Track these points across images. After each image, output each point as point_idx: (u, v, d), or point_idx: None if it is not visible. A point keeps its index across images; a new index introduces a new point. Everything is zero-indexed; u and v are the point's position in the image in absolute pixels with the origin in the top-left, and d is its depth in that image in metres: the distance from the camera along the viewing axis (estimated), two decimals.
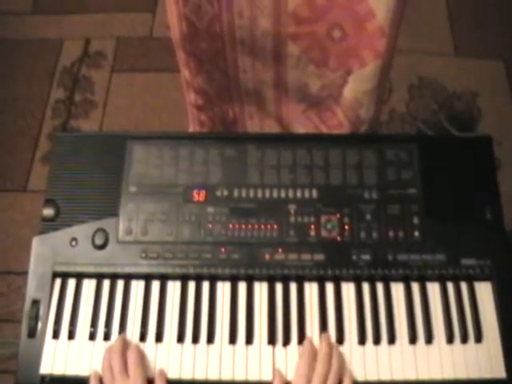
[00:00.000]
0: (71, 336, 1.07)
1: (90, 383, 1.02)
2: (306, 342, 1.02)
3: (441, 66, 2.43)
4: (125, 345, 1.04)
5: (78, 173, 1.17)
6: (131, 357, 1.02)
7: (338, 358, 1.00)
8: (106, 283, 1.11)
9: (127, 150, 1.18)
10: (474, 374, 1.02)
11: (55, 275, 1.10)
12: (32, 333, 1.07)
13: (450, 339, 1.04)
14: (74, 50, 2.58)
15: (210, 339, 1.05)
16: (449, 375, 1.02)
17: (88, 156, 1.19)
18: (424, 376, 1.01)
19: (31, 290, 1.10)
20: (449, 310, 1.06)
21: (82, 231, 1.13)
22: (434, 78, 2.39)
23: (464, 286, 1.09)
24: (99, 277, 1.11)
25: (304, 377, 0.97)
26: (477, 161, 1.16)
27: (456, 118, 2.21)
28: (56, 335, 1.07)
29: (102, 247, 1.11)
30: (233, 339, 1.04)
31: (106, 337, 1.07)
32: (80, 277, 1.11)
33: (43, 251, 1.12)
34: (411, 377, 1.01)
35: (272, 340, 1.04)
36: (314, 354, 1.00)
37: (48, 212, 1.15)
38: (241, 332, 1.05)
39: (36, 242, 1.13)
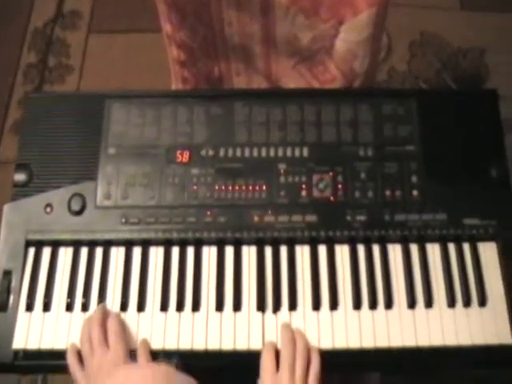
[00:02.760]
0: (46, 308, 1.09)
1: (68, 357, 1.05)
2: (267, 342, 1.05)
3: (445, 20, 2.42)
4: (104, 315, 1.07)
5: (53, 135, 1.20)
6: (111, 327, 1.05)
7: (302, 339, 1.03)
8: (84, 251, 1.13)
9: (106, 109, 1.20)
10: (479, 340, 1.05)
11: (28, 244, 1.13)
12: (3, 306, 1.09)
13: (451, 303, 1.07)
14: (47, 10, 2.57)
15: (196, 307, 1.07)
16: (451, 341, 1.05)
17: (63, 117, 1.21)
18: (424, 342, 1.04)
19: (2, 261, 1.12)
20: (450, 273, 1.09)
21: (58, 196, 1.15)
22: (438, 33, 2.38)
23: (467, 246, 1.12)
24: (76, 244, 1.13)
25: (271, 369, 1.01)
26: (481, 116, 1.19)
27: (461, 76, 2.23)
28: (30, 308, 1.09)
29: (78, 213, 1.13)
30: (220, 306, 1.07)
31: (84, 307, 1.09)
32: (55, 245, 1.13)
33: (15, 219, 1.14)
34: (410, 343, 1.04)
35: (261, 306, 1.07)
36: (275, 349, 1.03)
37: (20, 177, 1.17)
38: (228, 298, 1.08)
39: (7, 209, 1.15)
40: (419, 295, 1.08)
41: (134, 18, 2.52)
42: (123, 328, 1.06)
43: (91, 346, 1.03)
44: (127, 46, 2.47)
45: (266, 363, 1.01)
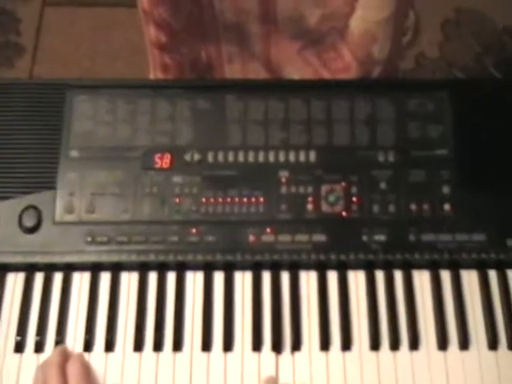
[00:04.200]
0: None
1: None
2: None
3: None
4: (64, 357, 1.09)
5: None
6: (72, 371, 1.07)
7: None
8: (39, 277, 1.16)
9: (66, 103, 1.23)
10: None
11: None
12: None
13: (493, 344, 1.10)
14: None
15: (178, 346, 1.10)
16: None
17: (12, 111, 1.24)
18: None
19: None
20: (491, 306, 1.12)
21: (6, 210, 1.17)
22: (478, 9, 2.43)
23: None
24: (30, 269, 1.16)
25: None
26: None
27: (506, 62, 2.26)
28: None
29: (32, 230, 1.16)
30: (207, 345, 1.10)
31: (39, 348, 1.11)
32: (2, 269, 1.16)
33: None
34: None
35: (257, 346, 1.10)
36: None
37: None
38: (217, 336, 1.11)
39: None
40: (452, 334, 1.11)
41: None
42: (87, 372, 1.09)
43: None
44: (93, 22, 2.51)
45: None
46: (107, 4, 2.52)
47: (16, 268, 1.16)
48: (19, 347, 1.11)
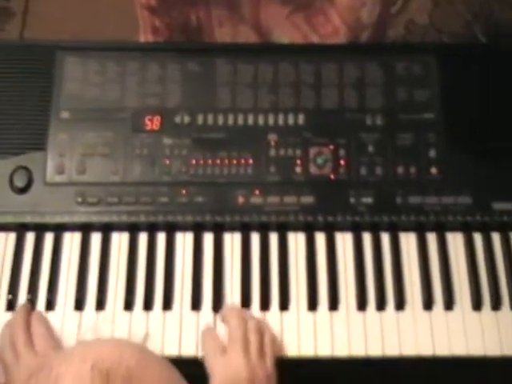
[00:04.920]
0: None
1: None
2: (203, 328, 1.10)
3: None
4: (27, 316, 1.10)
5: None
6: (37, 329, 1.08)
7: (255, 320, 1.07)
8: (30, 236, 1.17)
9: (56, 64, 1.23)
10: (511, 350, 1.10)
11: None
12: None
13: (476, 305, 1.12)
14: None
15: (167, 305, 1.11)
16: (476, 351, 1.09)
17: (2, 72, 1.24)
18: (442, 351, 1.08)
19: None
20: (476, 268, 1.14)
21: None
22: None
23: (496, 236, 1.16)
24: (20, 228, 1.16)
25: (216, 347, 1.05)
26: None
27: (496, 29, 2.26)
28: None
29: (23, 190, 1.16)
30: (196, 304, 1.11)
31: (31, 305, 1.12)
32: None
33: None
34: (426, 352, 1.08)
35: (246, 303, 1.11)
36: (214, 329, 1.09)
37: None
38: (206, 295, 1.12)
39: None
40: (437, 294, 1.12)
41: None
42: (50, 330, 1.09)
43: (15, 351, 1.06)
44: None
45: (209, 345, 1.05)
46: None
47: (7, 228, 1.16)
48: (11, 306, 1.11)
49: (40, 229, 1.16)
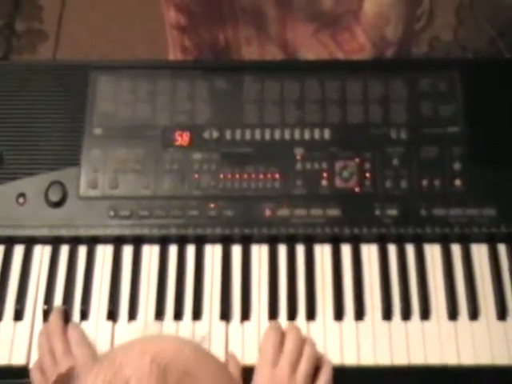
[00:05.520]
0: (18, 316, 1.16)
1: (32, 376, 1.10)
2: (272, 322, 1.11)
3: None
4: (62, 323, 1.13)
5: (26, 112, 1.26)
6: (73, 337, 1.11)
7: (312, 345, 1.08)
8: (65, 249, 1.20)
9: (90, 83, 1.27)
10: None
11: None
12: None
13: (501, 315, 1.13)
14: None
15: (197, 315, 1.14)
16: (502, 360, 1.10)
17: (38, 91, 1.28)
18: (468, 360, 1.10)
19: None
20: (500, 279, 1.15)
21: (33, 185, 1.21)
22: None
23: None
24: (55, 241, 1.20)
25: (271, 355, 1.05)
26: None
27: None
28: None
29: (58, 204, 1.20)
30: (225, 315, 1.13)
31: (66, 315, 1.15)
32: (30, 242, 1.20)
33: None
34: (451, 361, 1.10)
35: (274, 314, 1.13)
36: (281, 334, 1.08)
37: None
38: (235, 306, 1.14)
39: None
40: (462, 304, 1.14)
41: None
42: (86, 338, 1.12)
43: (54, 359, 1.09)
44: (113, 9, 2.53)
45: (267, 346, 1.06)
46: None
47: (42, 240, 1.20)
48: (47, 315, 1.14)
49: (74, 241, 1.19)
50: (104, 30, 2.48)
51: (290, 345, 1.06)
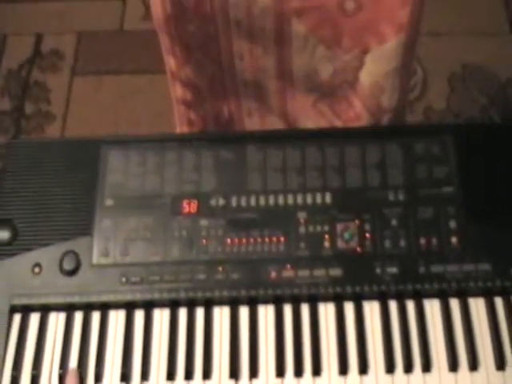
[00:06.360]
0: (35, 382, 1.20)
1: None
2: None
3: (491, 49, 2.55)
4: None
5: (39, 186, 1.34)
6: None
7: None
8: (79, 316, 1.26)
9: (101, 156, 1.35)
10: None
11: (13, 310, 1.25)
12: None
13: (500, 365, 1.18)
14: (22, 49, 2.75)
15: (207, 375, 1.19)
16: None
17: (51, 166, 1.36)
18: None
19: None
20: (498, 330, 1.20)
21: (47, 255, 1.28)
22: (482, 64, 2.52)
23: None
24: (70, 308, 1.26)
25: None
26: None
27: (511, 112, 2.34)
28: (15, 382, 1.20)
29: (72, 273, 1.26)
30: (234, 374, 1.19)
31: (80, 379, 1.20)
32: (45, 310, 1.26)
33: None
34: None
35: (281, 372, 1.19)
36: None
37: (2, 235, 1.30)
38: (244, 365, 1.20)
39: None
40: (462, 356, 1.18)
41: (124, 58, 2.68)
42: None
43: None
44: (118, 89, 2.62)
45: None
46: (130, 71, 2.63)
47: (57, 308, 1.25)
48: (61, 380, 1.20)
49: (87, 308, 1.25)
50: (110, 110, 2.57)
51: None
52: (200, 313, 1.24)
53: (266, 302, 1.24)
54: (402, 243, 1.25)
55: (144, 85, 2.61)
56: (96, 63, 2.70)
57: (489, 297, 1.23)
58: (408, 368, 1.18)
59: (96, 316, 1.25)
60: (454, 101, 2.46)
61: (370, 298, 1.23)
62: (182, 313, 1.25)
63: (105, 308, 1.25)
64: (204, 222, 1.28)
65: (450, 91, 2.47)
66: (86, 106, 2.60)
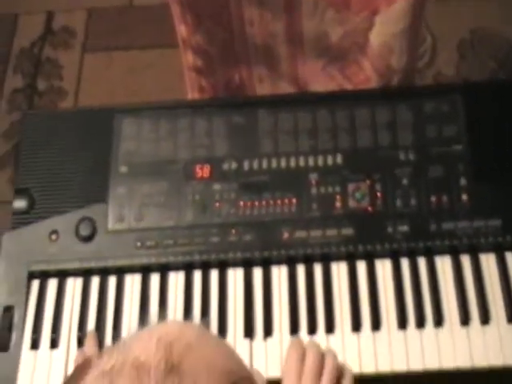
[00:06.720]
0: (54, 345, 1.25)
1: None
2: (293, 339, 1.18)
3: (501, 14, 2.54)
4: (97, 348, 1.21)
5: (55, 155, 1.38)
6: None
7: (333, 357, 1.15)
8: (95, 280, 1.29)
9: (115, 125, 1.38)
10: None
11: (32, 276, 1.29)
12: (4, 345, 1.24)
13: (511, 318, 1.20)
14: (34, 27, 2.76)
15: (222, 334, 1.22)
16: None
17: (66, 136, 1.40)
18: (481, 362, 1.17)
19: (2, 296, 1.28)
20: (508, 285, 1.23)
21: (64, 222, 1.31)
22: (492, 29, 2.52)
23: None
24: (86, 273, 1.29)
25: (295, 371, 1.12)
26: None
27: None
28: (35, 345, 1.25)
29: (88, 239, 1.30)
30: (249, 332, 1.22)
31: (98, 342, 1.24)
32: (63, 275, 1.30)
33: (16, 249, 1.31)
34: (465, 364, 1.17)
35: (295, 330, 1.22)
36: (303, 350, 1.15)
37: (20, 203, 1.34)
38: (258, 324, 1.23)
39: (6, 239, 1.32)
40: (474, 311, 1.21)
41: (134, 34, 2.70)
42: None
43: None
44: (128, 64, 2.63)
45: (291, 363, 1.12)
46: (140, 47, 2.65)
47: (74, 273, 1.29)
48: (81, 342, 1.23)
49: (104, 273, 1.29)
50: (121, 86, 2.58)
51: (311, 359, 1.13)
52: (214, 275, 1.28)
53: (279, 262, 1.27)
54: (413, 202, 1.27)
55: (154, 59, 2.62)
56: (106, 39, 2.71)
57: (499, 252, 1.25)
58: (420, 323, 1.21)
59: (112, 280, 1.29)
60: (464, 66, 2.45)
61: (382, 256, 1.26)
62: (197, 275, 1.28)
63: (121, 272, 1.29)
64: (217, 186, 1.31)
65: (459, 57, 2.46)
66: (97, 81, 2.62)
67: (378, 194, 1.28)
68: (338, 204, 1.29)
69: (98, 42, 2.73)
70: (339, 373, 1.14)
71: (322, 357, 1.14)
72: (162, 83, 2.52)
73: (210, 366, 0.62)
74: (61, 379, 1.21)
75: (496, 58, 2.39)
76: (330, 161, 1.32)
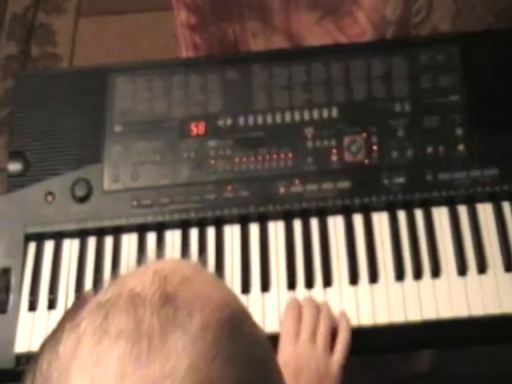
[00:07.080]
0: (52, 306, 1.26)
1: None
2: (288, 299, 1.20)
3: None
4: None
5: (49, 117, 1.38)
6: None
7: (327, 314, 1.17)
8: (92, 241, 1.30)
9: (109, 84, 1.38)
10: None
11: (28, 238, 1.30)
12: (2, 308, 1.25)
13: (508, 267, 1.21)
14: None
15: None
16: (511, 308, 1.18)
17: (60, 96, 1.40)
18: (478, 311, 1.18)
19: None
20: (506, 234, 1.24)
21: (59, 183, 1.32)
22: None
23: None
24: (83, 234, 1.30)
25: (292, 331, 1.15)
26: None
27: None
28: (33, 307, 1.26)
29: (84, 199, 1.30)
30: (246, 287, 1.23)
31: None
32: (59, 237, 1.31)
33: (11, 211, 1.31)
34: (462, 313, 1.18)
35: (292, 284, 1.23)
36: (299, 309, 1.18)
37: (14, 166, 1.34)
38: (255, 279, 1.24)
39: (2, 202, 1.33)
40: (471, 261, 1.22)
41: None
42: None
43: None
44: (123, 29, 2.63)
45: (288, 324, 1.16)
46: (135, 10, 2.65)
47: (70, 234, 1.30)
48: None
49: (100, 233, 1.30)
50: (116, 50, 2.58)
51: (306, 315, 1.15)
52: (211, 232, 1.29)
53: (275, 217, 1.28)
54: (409, 153, 1.28)
55: (149, 23, 2.62)
56: (100, 3, 2.71)
57: (496, 201, 1.26)
58: (417, 275, 1.22)
59: (109, 240, 1.30)
60: (460, 21, 2.44)
61: (379, 208, 1.27)
62: (193, 233, 1.29)
63: (117, 232, 1.30)
64: (212, 143, 1.32)
65: (455, 12, 2.46)
66: (91, 46, 2.62)
67: (374, 147, 1.29)
68: (334, 157, 1.29)
69: (92, 6, 2.72)
70: (335, 322, 1.16)
71: (316, 310, 1.16)
72: (158, 47, 2.52)
73: (205, 298, 0.62)
74: None
75: (492, 12, 2.38)
76: (325, 114, 1.32)
